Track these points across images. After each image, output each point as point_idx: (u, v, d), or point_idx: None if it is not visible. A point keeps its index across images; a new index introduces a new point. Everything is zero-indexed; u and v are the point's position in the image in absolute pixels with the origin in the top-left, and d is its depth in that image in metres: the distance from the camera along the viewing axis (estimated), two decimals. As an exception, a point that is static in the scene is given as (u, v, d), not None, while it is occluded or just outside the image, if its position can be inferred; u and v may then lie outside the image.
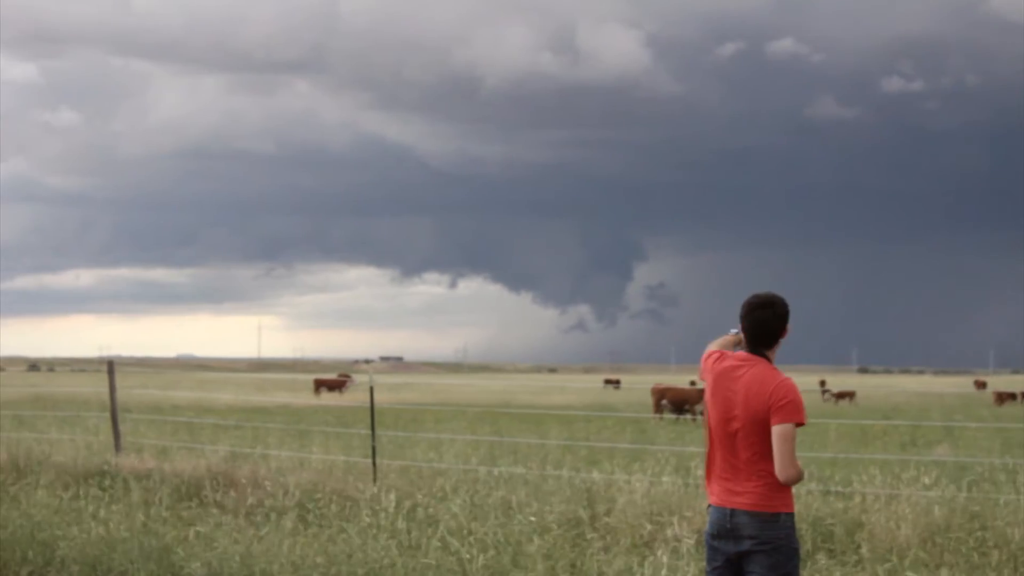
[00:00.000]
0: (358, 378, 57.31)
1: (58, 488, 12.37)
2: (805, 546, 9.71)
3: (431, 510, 10.81)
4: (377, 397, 13.96)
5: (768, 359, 6.05)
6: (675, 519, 10.26)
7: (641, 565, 9.09)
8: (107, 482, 12.50)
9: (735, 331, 6.61)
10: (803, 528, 9.95)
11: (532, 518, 10.36)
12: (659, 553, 9.41)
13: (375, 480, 12.42)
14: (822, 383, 64.78)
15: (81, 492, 12.03)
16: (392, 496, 11.13)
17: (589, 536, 10.09)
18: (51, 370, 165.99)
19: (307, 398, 47.93)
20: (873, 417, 31.76)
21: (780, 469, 5.89)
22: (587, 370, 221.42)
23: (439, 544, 9.59)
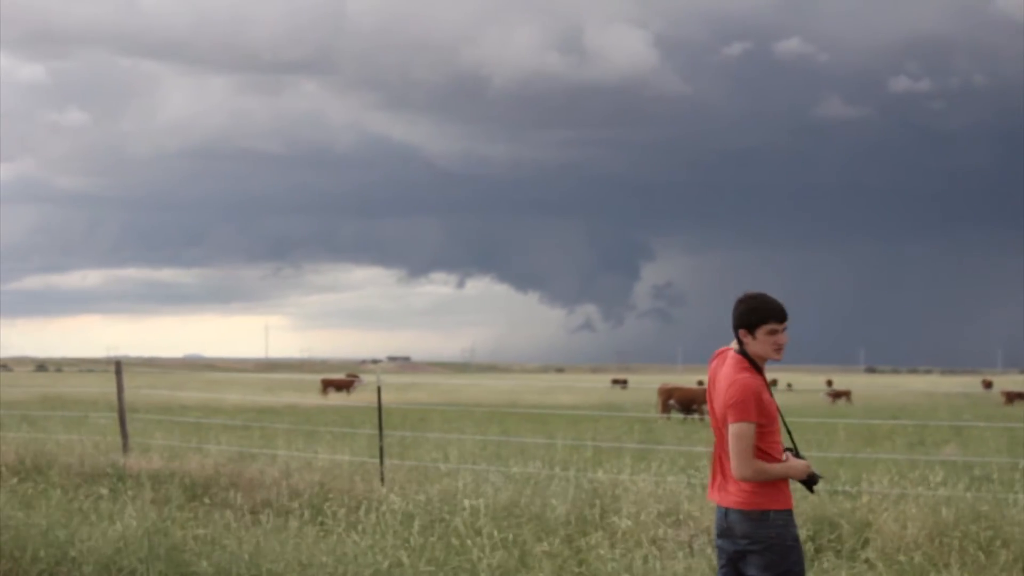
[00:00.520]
0: (365, 378, 57.34)
1: (67, 488, 12.39)
2: (813, 546, 9.71)
3: (439, 510, 10.81)
4: (384, 397, 13.96)
5: (744, 354, 6.07)
6: (683, 519, 10.27)
7: (649, 564, 9.09)
8: (115, 482, 12.52)
9: None
10: (811, 527, 9.96)
11: (539, 518, 10.37)
12: (667, 553, 9.41)
13: (383, 480, 12.43)
14: (829, 383, 64.82)
15: (90, 492, 12.05)
16: (399, 496, 11.14)
17: (596, 536, 10.09)
18: (59, 370, 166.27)
19: (314, 398, 47.96)
20: (881, 417, 31.70)
21: (734, 468, 5.93)
22: (594, 370, 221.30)
23: (447, 544, 9.60)
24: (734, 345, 6.19)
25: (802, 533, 9.69)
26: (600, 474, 12.25)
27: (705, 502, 10.53)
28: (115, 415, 15.72)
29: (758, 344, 6.04)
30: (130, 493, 12.02)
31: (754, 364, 6.06)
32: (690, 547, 9.77)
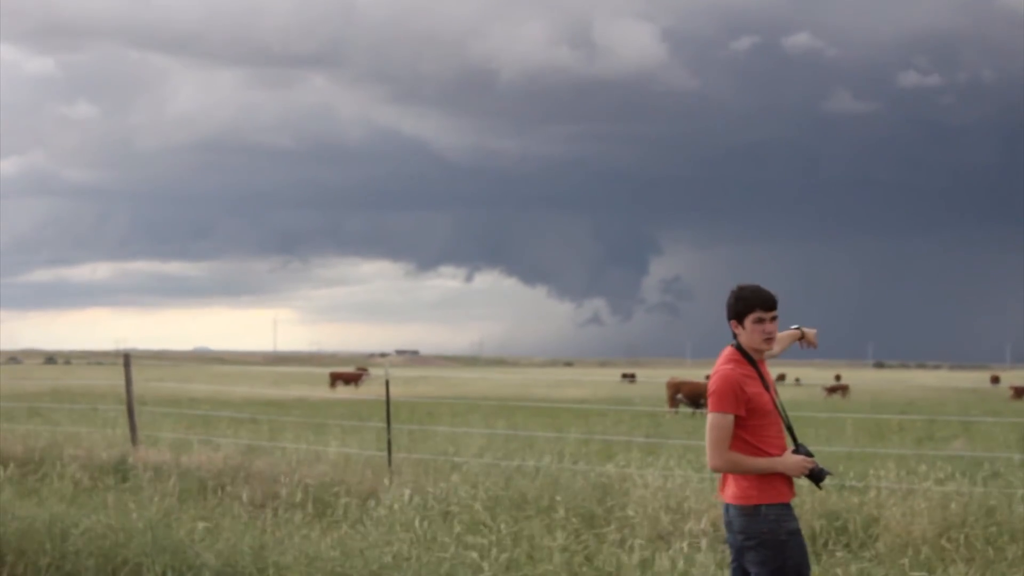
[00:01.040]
0: (374, 371, 57.40)
1: (75, 480, 12.40)
2: (820, 541, 9.69)
3: (447, 504, 10.81)
4: (392, 391, 13.97)
5: (738, 347, 6.09)
6: (691, 513, 10.26)
7: (658, 558, 9.08)
8: (123, 474, 12.53)
9: (795, 327, 6.67)
10: (818, 522, 9.95)
11: (547, 511, 10.37)
12: (676, 547, 9.41)
13: (390, 474, 12.43)
14: (837, 377, 64.78)
15: (98, 484, 12.07)
16: (407, 490, 11.14)
17: (605, 530, 10.09)
18: (68, 363, 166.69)
19: (323, 391, 47.99)
20: (889, 412, 31.67)
21: (708, 458, 5.99)
22: (603, 364, 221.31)
23: (455, 538, 9.59)
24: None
25: (809, 528, 9.72)
26: (609, 468, 12.24)
27: (712, 497, 10.53)
28: (123, 408, 15.73)
29: (747, 334, 6.05)
30: (138, 485, 12.04)
31: (746, 356, 6.05)
32: (697, 541, 9.75)
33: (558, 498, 10.74)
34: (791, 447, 6.05)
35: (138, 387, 15.91)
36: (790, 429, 6.15)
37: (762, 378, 6.04)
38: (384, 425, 13.61)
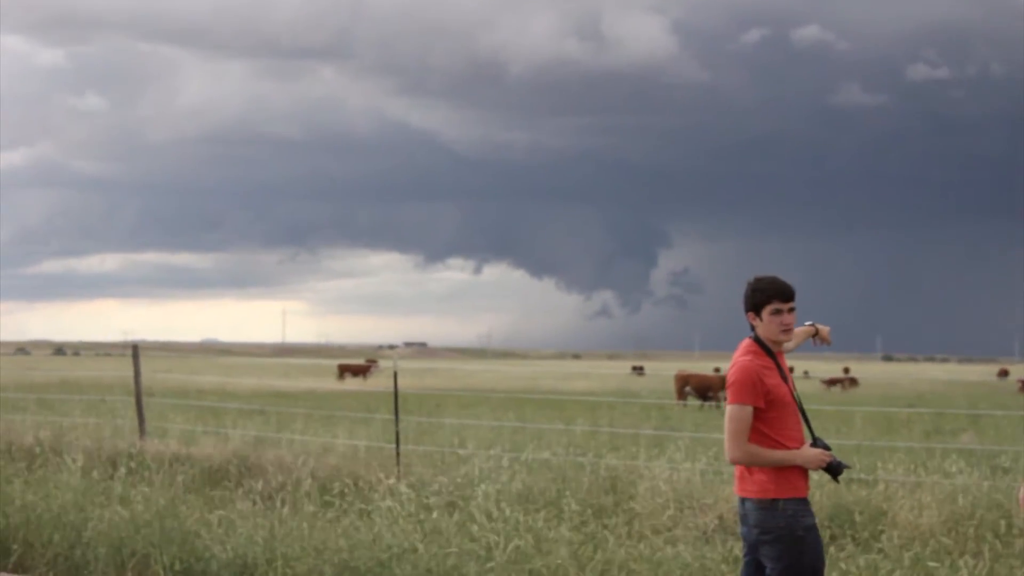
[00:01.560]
0: (382, 363, 57.38)
1: (83, 471, 12.42)
2: (828, 533, 9.68)
3: (454, 496, 10.81)
4: (400, 383, 13.97)
5: (756, 338, 6.07)
6: (697, 506, 10.26)
7: (665, 551, 9.09)
8: (132, 465, 12.55)
9: (809, 323, 6.66)
10: (827, 515, 9.94)
11: (555, 504, 10.37)
12: (682, 540, 9.41)
13: (398, 465, 12.43)
14: (846, 370, 64.68)
15: (106, 475, 12.08)
16: (415, 482, 11.15)
17: (613, 522, 10.09)
18: (76, 354, 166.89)
19: (331, 383, 48.00)
20: (897, 405, 31.64)
21: (727, 449, 5.97)
22: (611, 356, 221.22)
23: (462, 530, 9.60)
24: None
25: (818, 521, 9.71)
26: (616, 460, 12.24)
27: (720, 490, 10.52)
28: (132, 399, 15.75)
29: (765, 326, 6.02)
30: (146, 476, 12.06)
31: (765, 348, 6.03)
32: (705, 534, 9.76)
33: (566, 491, 10.75)
34: (808, 440, 6.05)
35: (146, 378, 15.94)
36: (807, 422, 6.14)
37: (780, 370, 6.03)
38: (392, 417, 13.61)
